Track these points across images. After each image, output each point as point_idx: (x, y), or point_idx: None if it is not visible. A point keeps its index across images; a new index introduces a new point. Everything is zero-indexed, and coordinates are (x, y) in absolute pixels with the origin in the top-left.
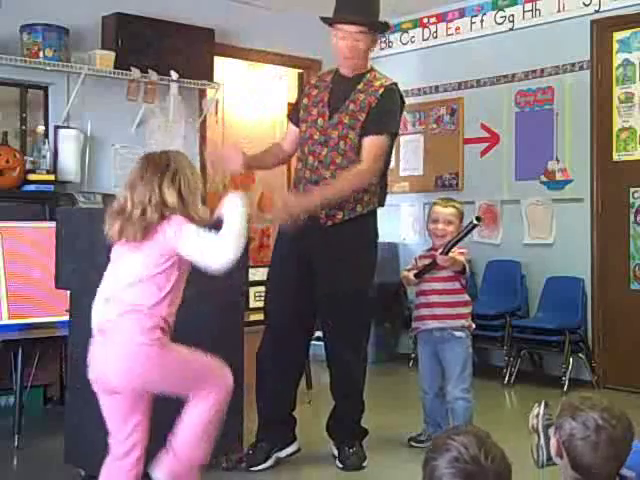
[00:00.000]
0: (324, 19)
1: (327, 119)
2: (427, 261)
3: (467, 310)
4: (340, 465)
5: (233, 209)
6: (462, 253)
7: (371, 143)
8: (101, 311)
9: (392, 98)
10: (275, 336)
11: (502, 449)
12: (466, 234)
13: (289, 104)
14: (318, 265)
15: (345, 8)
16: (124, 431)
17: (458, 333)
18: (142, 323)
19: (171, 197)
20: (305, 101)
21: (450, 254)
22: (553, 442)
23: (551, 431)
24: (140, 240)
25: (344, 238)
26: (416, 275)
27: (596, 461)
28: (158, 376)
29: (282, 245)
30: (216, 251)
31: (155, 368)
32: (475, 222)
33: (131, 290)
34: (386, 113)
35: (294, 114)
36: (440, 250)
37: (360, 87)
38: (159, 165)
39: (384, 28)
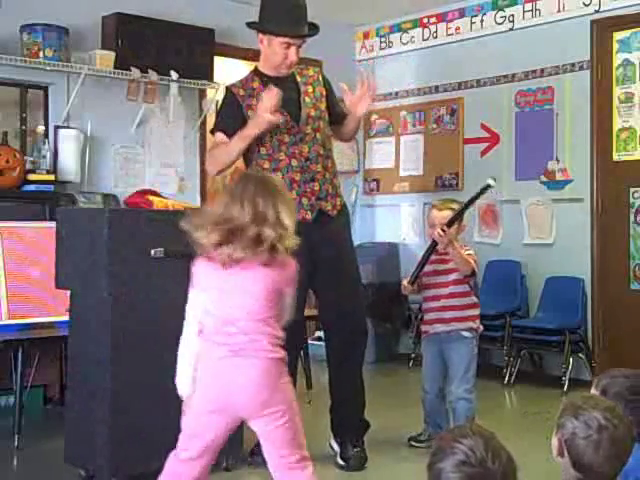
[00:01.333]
0: (265, 30)
1: (292, 119)
2: (430, 267)
3: (475, 312)
4: (342, 463)
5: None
6: (470, 255)
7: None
8: None
9: (328, 79)
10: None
11: (508, 450)
12: (479, 195)
13: None
14: (326, 253)
15: (292, 20)
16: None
17: (465, 333)
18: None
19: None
20: (251, 113)
21: (455, 246)
22: (555, 441)
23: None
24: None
25: (343, 225)
26: (412, 281)
27: (598, 460)
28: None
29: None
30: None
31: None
32: (491, 182)
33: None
34: (334, 96)
35: (228, 127)
36: (446, 222)
37: (300, 80)
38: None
39: (316, 32)
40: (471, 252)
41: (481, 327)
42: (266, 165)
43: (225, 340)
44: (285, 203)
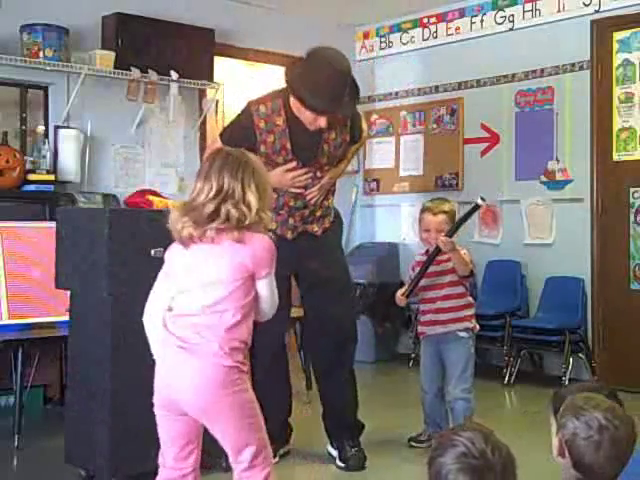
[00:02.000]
0: (296, 96)
1: (300, 161)
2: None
3: (471, 312)
4: (342, 465)
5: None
6: (466, 254)
7: (353, 148)
8: None
9: (356, 114)
10: (273, 351)
11: (507, 445)
12: (468, 217)
13: None
14: (310, 264)
15: (325, 96)
16: (182, 454)
17: (462, 333)
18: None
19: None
20: (263, 148)
21: (457, 250)
22: (555, 441)
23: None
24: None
25: (329, 237)
26: (408, 292)
27: (598, 461)
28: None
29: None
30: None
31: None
32: (479, 202)
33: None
34: (357, 128)
35: (241, 141)
36: (444, 231)
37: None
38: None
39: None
40: (465, 251)
41: (477, 326)
42: None
43: (177, 331)
44: (256, 180)
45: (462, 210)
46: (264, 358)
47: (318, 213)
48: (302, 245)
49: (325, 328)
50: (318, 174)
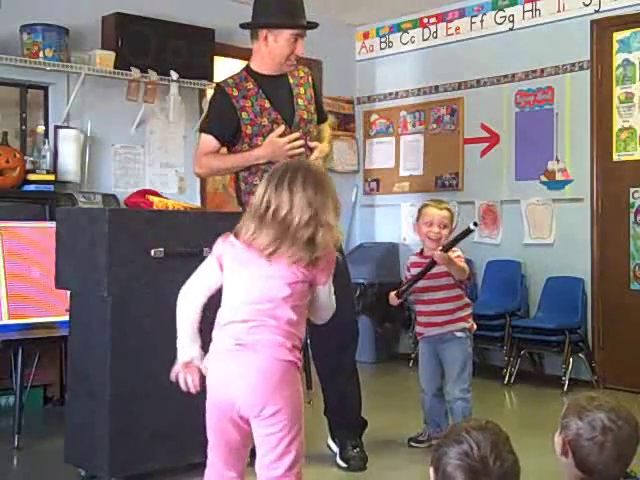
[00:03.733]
0: (272, 24)
1: (284, 121)
2: (417, 270)
3: (467, 312)
4: (344, 465)
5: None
6: (459, 257)
7: (326, 128)
8: None
9: (315, 79)
10: None
11: (516, 456)
12: (461, 238)
13: None
14: None
15: (297, 12)
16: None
17: (459, 334)
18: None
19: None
20: (245, 115)
21: (454, 263)
22: (559, 441)
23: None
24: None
25: None
26: (401, 293)
27: (601, 461)
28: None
29: None
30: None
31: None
32: (472, 227)
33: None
34: (321, 98)
35: (221, 132)
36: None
37: (292, 81)
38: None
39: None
40: (459, 253)
41: (474, 326)
42: (263, 166)
43: (233, 333)
44: (334, 198)
45: (462, 211)
46: None
47: None
48: None
49: (329, 327)
50: (308, 141)
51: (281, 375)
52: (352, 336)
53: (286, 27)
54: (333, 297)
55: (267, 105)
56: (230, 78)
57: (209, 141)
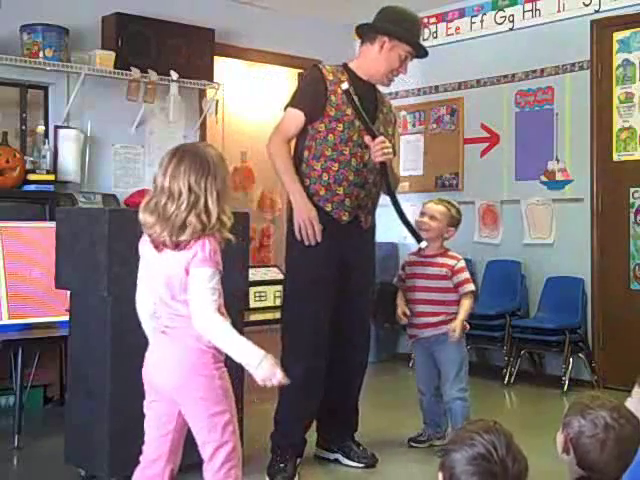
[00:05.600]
0: (397, 35)
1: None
2: (418, 270)
3: None
4: (358, 464)
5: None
6: (462, 268)
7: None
8: None
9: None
10: (317, 343)
11: (525, 457)
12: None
13: None
14: (355, 263)
15: (418, 35)
16: (156, 439)
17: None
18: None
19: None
20: (333, 98)
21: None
22: (561, 438)
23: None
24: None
25: (371, 239)
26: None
27: (603, 459)
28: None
29: (320, 247)
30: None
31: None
32: (421, 246)
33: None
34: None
35: (308, 107)
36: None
37: (379, 97)
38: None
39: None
40: (462, 264)
41: (468, 326)
42: (327, 152)
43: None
44: (217, 185)
45: (463, 210)
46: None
47: (370, 203)
48: (349, 239)
49: (352, 338)
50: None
51: (194, 361)
52: (368, 347)
53: (407, 42)
54: (208, 290)
55: (356, 99)
56: (328, 65)
57: (297, 116)
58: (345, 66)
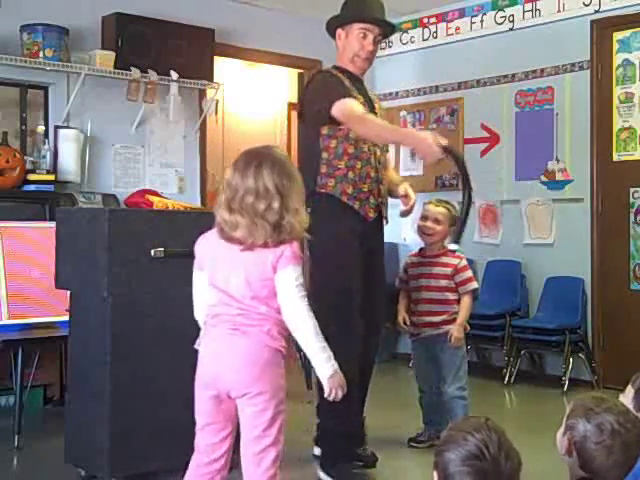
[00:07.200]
0: (343, 18)
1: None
2: (424, 270)
3: None
4: (361, 464)
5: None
6: (465, 267)
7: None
8: None
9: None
10: (356, 339)
11: (518, 453)
12: (467, 209)
13: (289, 104)
14: (377, 262)
15: (367, 10)
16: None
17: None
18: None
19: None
20: (355, 94)
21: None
22: (563, 441)
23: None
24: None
25: (382, 243)
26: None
27: (608, 465)
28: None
29: (349, 241)
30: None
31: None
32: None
33: None
34: None
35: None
36: (450, 241)
37: (370, 94)
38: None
39: (392, 33)
40: (465, 262)
41: (468, 327)
42: (350, 150)
43: (226, 317)
44: (298, 185)
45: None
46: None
47: (384, 200)
48: (374, 237)
49: (368, 338)
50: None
51: (269, 359)
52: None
53: (353, 20)
54: (298, 287)
55: (357, 94)
56: (334, 69)
57: (355, 103)
58: (339, 68)
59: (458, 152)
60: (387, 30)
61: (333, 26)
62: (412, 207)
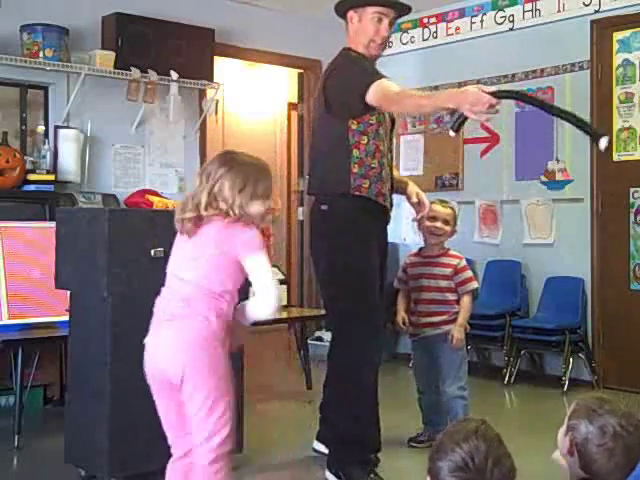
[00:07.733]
0: (363, 1)
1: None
2: (425, 270)
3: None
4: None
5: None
6: (465, 267)
7: None
8: None
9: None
10: (378, 336)
11: (512, 459)
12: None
13: (289, 104)
14: (383, 259)
15: None
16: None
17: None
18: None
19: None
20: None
21: (461, 323)
22: (565, 441)
23: None
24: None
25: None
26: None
27: (609, 467)
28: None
29: (365, 233)
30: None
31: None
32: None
33: None
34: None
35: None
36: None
37: None
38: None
39: (406, 14)
40: (465, 262)
41: (468, 327)
42: (381, 147)
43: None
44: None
45: (462, 211)
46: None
47: (391, 193)
48: (385, 236)
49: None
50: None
51: (201, 341)
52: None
53: (368, 3)
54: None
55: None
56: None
57: (387, 84)
58: (350, 50)
59: (510, 90)
60: (402, 12)
61: (345, 7)
62: (427, 214)
